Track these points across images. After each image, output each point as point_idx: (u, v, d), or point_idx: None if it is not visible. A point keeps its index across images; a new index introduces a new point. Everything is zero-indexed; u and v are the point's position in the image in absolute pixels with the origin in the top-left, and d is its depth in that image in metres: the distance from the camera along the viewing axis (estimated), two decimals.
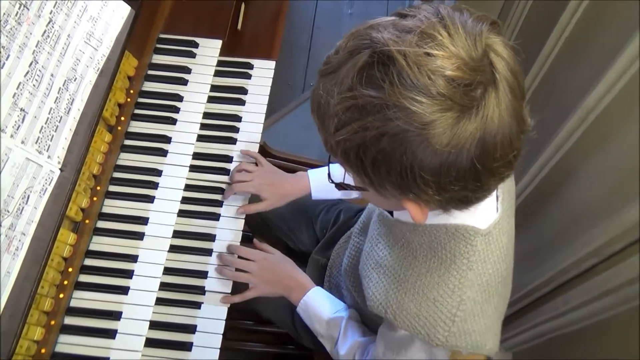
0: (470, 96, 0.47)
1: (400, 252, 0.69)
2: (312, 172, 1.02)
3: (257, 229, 1.21)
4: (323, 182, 1.01)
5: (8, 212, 0.71)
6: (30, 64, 0.75)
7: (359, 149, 0.51)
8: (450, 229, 0.63)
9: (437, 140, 0.48)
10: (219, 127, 1.06)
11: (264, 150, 1.47)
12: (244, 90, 1.10)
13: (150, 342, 0.88)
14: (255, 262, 0.94)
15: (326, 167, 1.01)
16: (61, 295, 0.84)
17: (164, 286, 0.92)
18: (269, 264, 0.95)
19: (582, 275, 0.97)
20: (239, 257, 0.95)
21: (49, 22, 0.79)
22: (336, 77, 0.52)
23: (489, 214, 0.65)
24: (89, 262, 0.90)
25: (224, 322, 0.92)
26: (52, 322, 0.82)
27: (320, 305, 0.91)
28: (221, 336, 0.90)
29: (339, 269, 0.99)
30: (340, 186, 0.65)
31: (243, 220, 1.00)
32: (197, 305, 0.92)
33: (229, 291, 0.94)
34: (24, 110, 0.74)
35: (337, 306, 0.92)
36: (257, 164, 1.03)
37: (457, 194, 0.53)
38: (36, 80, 0.76)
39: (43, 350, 0.81)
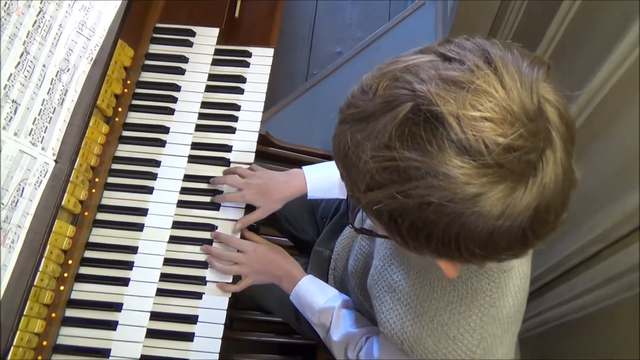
0: (527, 162, 0.42)
1: (416, 280, 0.66)
2: (307, 169, 0.97)
3: (265, 218, 1.19)
4: (320, 180, 0.96)
5: (3, 204, 0.71)
6: (21, 54, 0.74)
7: (395, 213, 0.45)
8: (473, 266, 0.60)
9: (488, 212, 0.42)
10: (218, 117, 1.05)
11: (266, 140, 1.45)
12: (242, 79, 1.08)
13: (151, 333, 0.87)
14: (245, 253, 0.94)
15: (323, 163, 0.99)
16: (61, 288, 0.84)
17: (164, 277, 0.91)
18: (258, 255, 0.94)
19: (588, 261, 0.96)
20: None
21: (39, 12, 0.78)
22: (368, 128, 0.45)
23: None
24: (89, 254, 0.90)
25: (225, 312, 0.91)
26: (53, 315, 0.82)
27: (311, 295, 0.91)
28: (223, 326, 0.90)
29: (344, 265, 0.97)
30: (362, 231, 0.60)
31: (244, 210, 0.99)
32: (198, 295, 0.92)
33: (230, 281, 0.93)
34: (15, 101, 0.73)
35: (328, 294, 0.91)
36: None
37: (501, 259, 0.49)
38: (27, 71, 0.75)
39: (44, 343, 0.81)
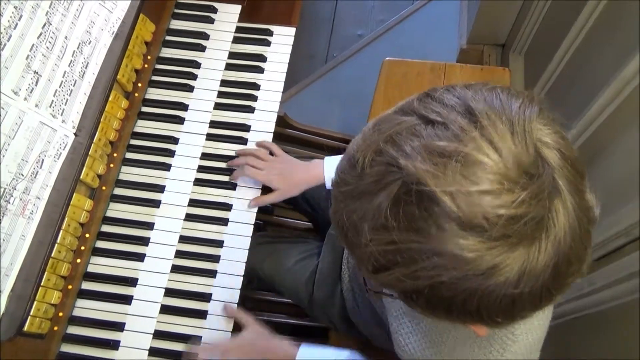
0: (536, 224, 0.39)
1: None
2: (328, 160, 0.97)
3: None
4: None
5: (22, 175, 0.71)
6: (44, 25, 0.74)
7: (408, 292, 0.43)
8: None
9: (504, 282, 0.40)
10: (237, 95, 1.04)
11: (284, 122, 1.45)
12: (262, 58, 1.07)
13: (165, 309, 0.88)
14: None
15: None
16: (78, 260, 0.85)
17: (179, 254, 0.91)
18: (246, 350, 0.86)
19: (609, 255, 0.94)
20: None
21: None
22: (363, 208, 0.42)
23: None
24: (105, 228, 0.90)
25: (239, 291, 0.91)
26: (70, 287, 0.83)
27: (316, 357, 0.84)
28: (236, 305, 0.90)
29: None
30: (382, 295, 0.56)
31: (260, 190, 0.98)
32: (212, 273, 0.92)
33: (244, 260, 0.93)
34: (37, 73, 0.73)
35: (332, 354, 0.85)
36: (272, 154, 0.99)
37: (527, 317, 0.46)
38: (50, 42, 0.75)
39: (60, 314, 0.82)
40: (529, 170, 0.39)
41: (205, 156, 0.98)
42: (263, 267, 1.05)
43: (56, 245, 0.78)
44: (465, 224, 0.38)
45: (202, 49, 1.04)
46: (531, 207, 0.38)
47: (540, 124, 0.41)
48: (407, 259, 0.41)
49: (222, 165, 1.00)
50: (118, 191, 0.93)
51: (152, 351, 0.85)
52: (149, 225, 0.91)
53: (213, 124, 1.00)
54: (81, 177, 0.82)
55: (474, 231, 0.38)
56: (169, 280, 0.89)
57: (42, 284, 0.76)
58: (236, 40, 1.07)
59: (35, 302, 0.75)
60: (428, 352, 0.63)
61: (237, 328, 0.89)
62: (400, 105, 0.45)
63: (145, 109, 0.99)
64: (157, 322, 0.86)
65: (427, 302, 0.43)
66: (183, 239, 0.92)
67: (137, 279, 0.88)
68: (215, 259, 0.92)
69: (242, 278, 0.92)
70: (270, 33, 1.09)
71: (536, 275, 0.40)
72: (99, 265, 0.88)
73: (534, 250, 0.39)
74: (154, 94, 1.00)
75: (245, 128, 1.02)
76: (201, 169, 0.97)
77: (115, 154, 0.91)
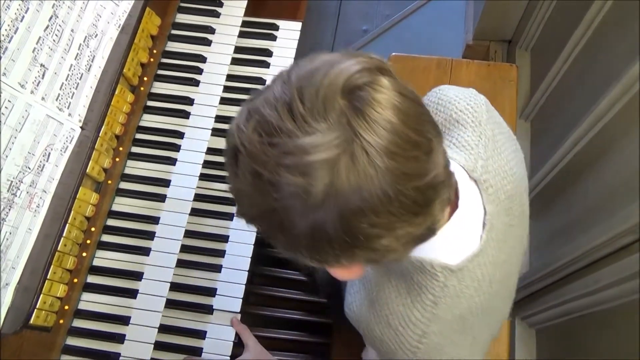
0: (323, 169, 0.42)
1: (379, 268, 0.65)
2: None
3: None
4: None
5: (29, 169, 0.71)
6: (50, 18, 0.74)
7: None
8: (416, 262, 0.58)
9: (294, 225, 0.44)
10: (243, 90, 1.04)
11: None
12: (268, 52, 1.07)
13: (171, 303, 0.88)
14: None
15: None
16: (84, 254, 0.85)
17: (185, 248, 0.92)
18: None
19: (616, 253, 0.93)
20: None
21: None
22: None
23: (466, 246, 0.59)
24: (111, 222, 0.91)
25: (244, 286, 0.91)
26: (75, 280, 0.83)
27: None
28: (241, 300, 0.90)
29: None
30: None
31: None
32: (217, 268, 0.92)
33: (250, 255, 0.93)
34: (44, 65, 0.73)
35: None
36: None
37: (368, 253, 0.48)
38: (56, 35, 0.74)
39: (66, 307, 0.82)
40: (317, 130, 0.42)
41: (211, 151, 0.98)
42: None
43: (62, 238, 0.78)
44: (254, 170, 0.44)
45: (208, 43, 1.03)
46: (312, 155, 0.42)
47: (369, 85, 0.44)
48: (234, 195, 0.49)
49: None
50: (124, 185, 0.93)
51: (157, 345, 0.85)
52: (155, 220, 0.91)
53: (219, 118, 1.00)
54: (87, 170, 0.82)
55: (258, 175, 0.44)
56: (174, 274, 0.89)
57: (48, 277, 0.77)
58: (242, 35, 1.06)
59: (41, 295, 0.76)
60: (364, 309, 0.65)
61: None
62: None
63: (151, 103, 0.98)
64: (163, 316, 0.86)
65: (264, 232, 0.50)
66: (188, 234, 0.92)
67: (142, 273, 0.88)
68: (221, 253, 0.93)
69: (247, 273, 0.92)
70: (277, 27, 1.09)
71: (321, 222, 0.43)
72: (105, 259, 0.88)
73: (313, 203, 0.43)
74: (160, 87, 1.00)
75: None
76: (207, 163, 0.97)
77: (121, 148, 0.91)
